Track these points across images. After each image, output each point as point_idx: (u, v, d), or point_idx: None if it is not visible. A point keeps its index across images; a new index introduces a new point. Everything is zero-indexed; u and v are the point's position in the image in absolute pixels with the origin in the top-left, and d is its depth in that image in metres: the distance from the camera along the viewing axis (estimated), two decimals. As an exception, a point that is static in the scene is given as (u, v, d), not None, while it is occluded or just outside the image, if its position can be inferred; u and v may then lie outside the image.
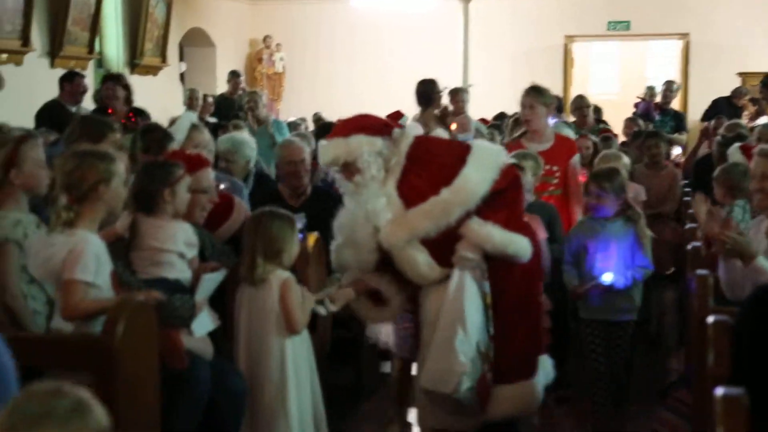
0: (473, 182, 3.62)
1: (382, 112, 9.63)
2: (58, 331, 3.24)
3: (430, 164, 3.72)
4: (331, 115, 10.46)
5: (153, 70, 12.24)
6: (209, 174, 4.24)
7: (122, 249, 3.62)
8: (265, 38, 15.11)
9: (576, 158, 5.61)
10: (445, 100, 8.05)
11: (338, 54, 14.82)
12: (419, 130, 4.34)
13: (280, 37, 15.04)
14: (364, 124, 3.74)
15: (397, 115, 8.66)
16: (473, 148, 3.79)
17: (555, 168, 5.36)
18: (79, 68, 10.18)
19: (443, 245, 3.62)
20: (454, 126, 7.67)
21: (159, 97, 10.72)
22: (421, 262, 3.64)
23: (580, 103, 9.03)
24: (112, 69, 11.14)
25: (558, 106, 8.08)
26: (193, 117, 4.88)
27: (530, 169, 4.73)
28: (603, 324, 4.65)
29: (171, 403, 3.42)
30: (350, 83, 14.42)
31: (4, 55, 9.32)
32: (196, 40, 14.10)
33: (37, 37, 9.88)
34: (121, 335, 2.91)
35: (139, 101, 7.68)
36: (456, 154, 3.74)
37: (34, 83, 9.14)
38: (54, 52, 10.16)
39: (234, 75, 11.83)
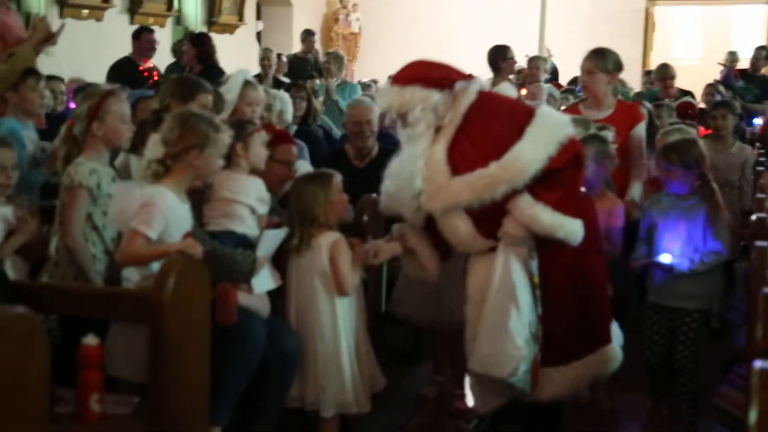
0: (526, 160, 3.32)
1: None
2: (126, 280, 3.31)
3: (486, 130, 3.42)
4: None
5: (230, 29, 12.28)
6: (292, 149, 4.24)
7: (197, 201, 3.64)
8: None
9: (639, 127, 5.13)
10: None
11: (414, 16, 14.63)
12: (511, 92, 4.13)
13: (358, -2, 14.94)
14: (423, 75, 3.45)
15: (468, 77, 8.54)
16: (535, 117, 3.43)
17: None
18: (158, 25, 10.31)
19: (489, 217, 3.39)
20: (524, 92, 7.51)
21: (235, 55, 10.72)
22: (463, 231, 3.43)
23: (664, 73, 8.70)
24: (189, 27, 11.21)
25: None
26: (247, 74, 4.75)
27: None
28: (666, 310, 4.27)
29: (224, 358, 3.43)
30: (425, 45, 14.17)
31: (86, 11, 9.45)
32: (274, 0, 14.09)
33: (117, -7, 10.00)
34: (170, 290, 2.91)
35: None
36: (516, 123, 3.41)
37: (114, 39, 9.24)
38: (133, 9, 10.28)
39: (308, 34, 11.70)
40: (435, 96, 3.39)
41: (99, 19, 9.62)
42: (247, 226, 3.71)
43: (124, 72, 7.34)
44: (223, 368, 3.43)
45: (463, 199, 3.34)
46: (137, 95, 5.06)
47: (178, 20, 11.39)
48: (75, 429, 2.96)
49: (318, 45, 12.08)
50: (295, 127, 5.86)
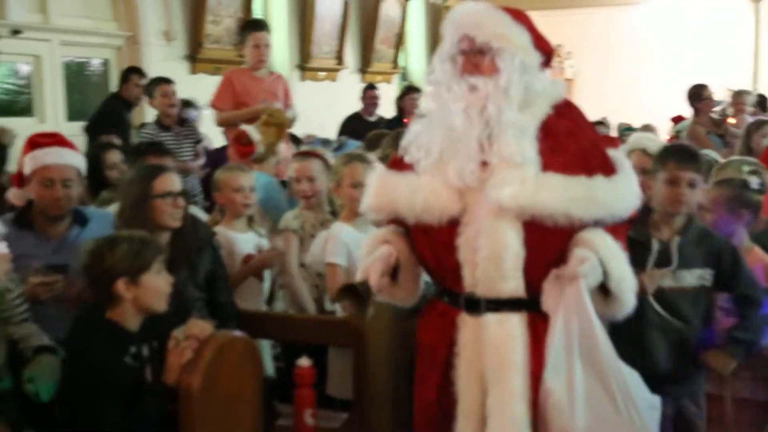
0: (627, 195, 2.40)
1: (668, 115, 9.17)
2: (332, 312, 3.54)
3: (579, 134, 2.41)
4: (617, 119, 10.18)
5: (451, 81, 12.56)
6: None
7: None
8: (556, 47, 15.01)
9: None
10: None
11: (624, 59, 14.31)
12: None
13: (570, 45, 14.85)
14: (537, 32, 2.46)
15: (678, 119, 8.27)
16: (623, 162, 2.46)
17: None
18: (385, 82, 10.77)
19: (538, 245, 2.32)
20: (732, 120, 7.18)
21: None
22: (511, 248, 2.30)
23: None
24: (414, 81, 11.61)
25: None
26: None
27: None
28: None
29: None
30: (636, 87, 13.88)
31: (322, 74, 10.06)
32: (492, 52, 14.27)
33: (350, 55, 10.55)
34: (371, 315, 3.07)
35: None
36: (602, 150, 2.44)
37: (347, 96, 9.76)
38: (364, 68, 10.80)
39: None
40: (536, 60, 2.42)
41: (333, 79, 10.20)
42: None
43: (353, 126, 7.75)
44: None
45: (548, 204, 2.27)
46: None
47: (404, 76, 11.84)
48: (291, 440, 3.19)
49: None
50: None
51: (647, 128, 6.70)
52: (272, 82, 5.71)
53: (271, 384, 3.47)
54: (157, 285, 2.62)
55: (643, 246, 3.02)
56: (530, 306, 2.35)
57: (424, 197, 2.34)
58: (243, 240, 3.77)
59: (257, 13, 9.03)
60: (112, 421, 2.36)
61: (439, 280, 2.50)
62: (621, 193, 2.37)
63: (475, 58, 2.36)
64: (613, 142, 2.65)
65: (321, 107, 9.52)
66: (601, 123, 8.42)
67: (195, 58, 8.17)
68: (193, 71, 8.16)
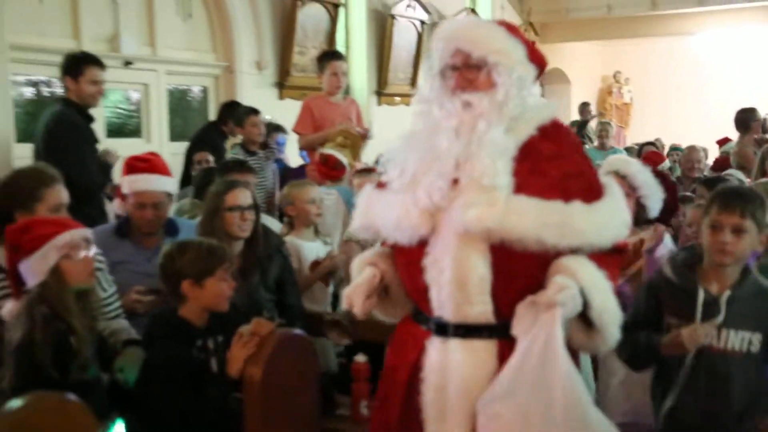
0: (610, 223, 2.11)
1: (717, 136, 8.89)
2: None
3: (563, 158, 2.11)
4: (670, 140, 9.96)
5: (516, 105, 12.49)
6: None
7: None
8: (615, 74, 14.82)
9: None
10: None
11: (681, 85, 14.03)
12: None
13: (629, 72, 14.61)
14: (529, 44, 2.20)
15: (723, 141, 8.04)
16: (611, 186, 2.18)
17: None
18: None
19: (506, 272, 2.05)
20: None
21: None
22: (476, 269, 2.04)
23: None
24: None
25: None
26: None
27: None
28: None
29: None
30: (692, 112, 13.57)
31: (397, 98, 10.13)
32: (555, 78, 14.14)
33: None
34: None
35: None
36: (590, 171, 2.19)
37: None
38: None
39: (585, 105, 12.00)
40: (531, 74, 2.17)
41: (407, 104, 10.24)
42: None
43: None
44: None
45: (517, 228, 1.99)
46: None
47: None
48: (348, 427, 3.23)
49: (593, 113, 12.03)
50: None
51: (692, 149, 6.53)
52: (346, 106, 5.78)
53: (333, 378, 3.55)
54: (218, 289, 2.69)
55: (687, 295, 2.51)
56: (501, 333, 2.07)
57: (397, 216, 2.11)
58: (310, 248, 3.85)
59: (340, 44, 9.16)
60: (182, 404, 2.47)
61: (414, 301, 2.24)
62: (602, 220, 2.06)
63: (470, 74, 2.09)
64: (590, 165, 2.23)
65: (396, 129, 9.56)
66: (653, 144, 8.27)
67: (283, 85, 8.34)
68: (281, 97, 8.33)
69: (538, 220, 1.99)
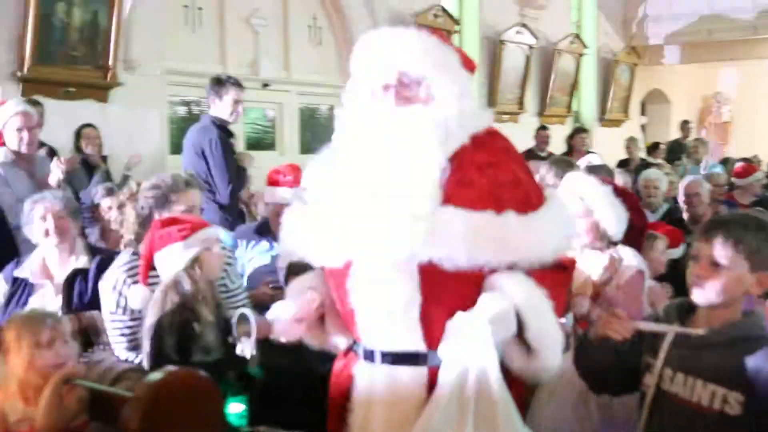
0: (552, 233, 1.77)
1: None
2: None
3: (497, 167, 1.78)
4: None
5: (617, 123, 11.89)
6: None
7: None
8: (715, 94, 13.84)
9: None
10: None
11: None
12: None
13: (728, 91, 13.63)
14: (460, 50, 1.92)
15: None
16: (552, 197, 1.87)
17: None
18: (559, 123, 10.34)
19: (439, 293, 1.71)
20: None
21: (622, 145, 10.25)
22: (402, 291, 1.71)
23: None
24: (583, 123, 11.07)
25: None
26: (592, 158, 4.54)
27: None
28: None
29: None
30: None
31: (506, 116, 9.81)
32: (655, 99, 13.39)
33: (530, 101, 10.24)
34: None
35: (601, 148, 7.56)
36: (528, 177, 1.86)
37: (527, 136, 9.45)
38: (541, 111, 10.45)
39: (685, 123, 11.20)
40: (467, 80, 1.87)
41: (515, 121, 9.93)
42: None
43: (527, 159, 7.47)
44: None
45: (445, 242, 1.67)
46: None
47: (576, 118, 11.32)
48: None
49: (693, 132, 11.25)
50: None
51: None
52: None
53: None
54: None
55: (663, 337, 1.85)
56: (432, 360, 1.69)
57: (319, 235, 1.77)
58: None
59: (453, 68, 8.97)
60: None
61: (347, 325, 1.85)
62: (539, 232, 1.71)
63: (407, 90, 1.79)
64: (530, 172, 1.88)
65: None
66: (750, 160, 7.65)
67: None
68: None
69: (466, 232, 1.64)
